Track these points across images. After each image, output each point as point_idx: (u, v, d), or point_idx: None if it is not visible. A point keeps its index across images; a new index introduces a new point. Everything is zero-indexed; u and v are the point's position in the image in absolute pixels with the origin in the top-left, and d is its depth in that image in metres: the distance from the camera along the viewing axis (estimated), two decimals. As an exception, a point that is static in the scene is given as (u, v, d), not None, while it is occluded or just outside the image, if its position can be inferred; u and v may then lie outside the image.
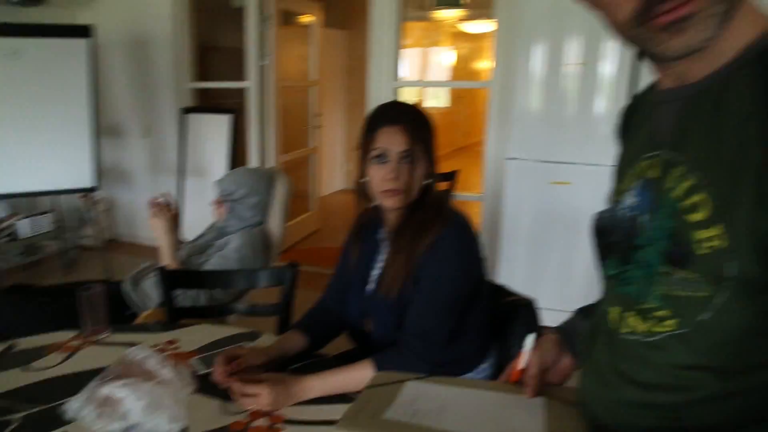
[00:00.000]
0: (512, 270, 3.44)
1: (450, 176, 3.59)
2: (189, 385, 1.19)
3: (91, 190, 4.05)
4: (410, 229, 1.41)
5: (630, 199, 0.84)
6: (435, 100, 10.81)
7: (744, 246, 0.66)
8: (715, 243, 0.68)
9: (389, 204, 1.42)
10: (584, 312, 1.10)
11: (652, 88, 0.86)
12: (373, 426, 0.88)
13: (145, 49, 4.84)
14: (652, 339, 0.77)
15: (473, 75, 11.09)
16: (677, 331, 0.74)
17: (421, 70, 9.93)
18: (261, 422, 1.17)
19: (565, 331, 1.09)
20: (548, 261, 3.30)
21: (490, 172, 3.77)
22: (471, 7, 6.92)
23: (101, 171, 4.12)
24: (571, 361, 1.06)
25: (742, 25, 0.70)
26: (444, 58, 10.47)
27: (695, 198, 0.71)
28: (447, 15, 7.71)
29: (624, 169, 0.90)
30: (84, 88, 3.93)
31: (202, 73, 5.24)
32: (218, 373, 1.27)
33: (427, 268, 1.38)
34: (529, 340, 1.04)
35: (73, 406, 1.11)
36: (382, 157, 1.38)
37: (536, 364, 1.02)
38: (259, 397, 1.20)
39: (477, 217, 3.97)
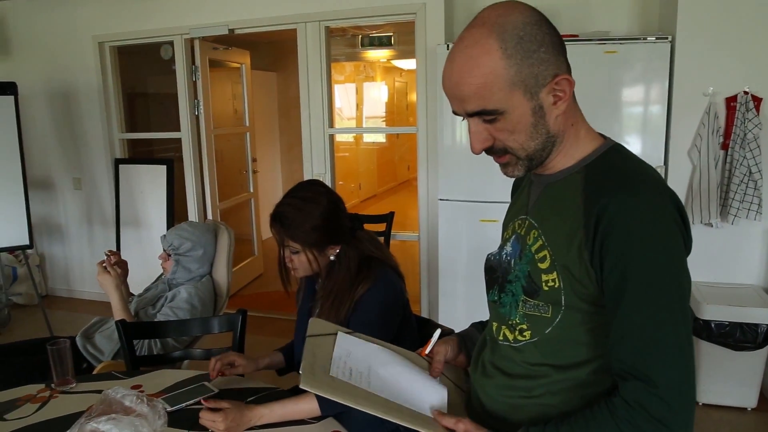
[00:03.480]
0: (452, 304, 3.84)
1: (386, 218, 3.95)
2: (162, 417, 1.49)
3: (26, 248, 4.22)
4: (331, 295, 1.83)
5: (508, 248, 1.24)
6: (374, 137, 11.30)
7: (569, 287, 1.06)
8: (553, 283, 1.08)
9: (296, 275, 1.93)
10: (478, 325, 1.51)
11: None
12: (326, 385, 1.17)
13: (72, 100, 5.07)
14: (516, 345, 1.17)
15: (410, 107, 11.65)
16: (532, 340, 1.14)
17: (357, 105, 10.39)
18: (224, 446, 1.49)
19: (463, 336, 1.48)
20: (484, 295, 3.67)
21: (425, 212, 4.19)
22: (399, 44, 7.37)
23: (33, 226, 4.29)
24: (464, 359, 1.45)
25: (574, 149, 1.12)
26: (378, 93, 10.98)
27: (542, 253, 1.11)
28: (376, 54, 8.14)
29: (508, 223, 1.31)
30: (13, 144, 4.14)
31: (133, 122, 5.47)
32: (212, 369, 1.80)
33: (354, 320, 1.77)
34: (437, 333, 1.45)
35: (63, 441, 1.38)
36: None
37: (442, 354, 1.40)
38: (218, 421, 1.52)
39: (416, 256, 4.36)
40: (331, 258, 1.88)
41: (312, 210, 1.82)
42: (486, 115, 1.05)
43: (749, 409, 3.19)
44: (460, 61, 1.03)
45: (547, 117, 1.06)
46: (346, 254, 1.87)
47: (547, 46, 1.02)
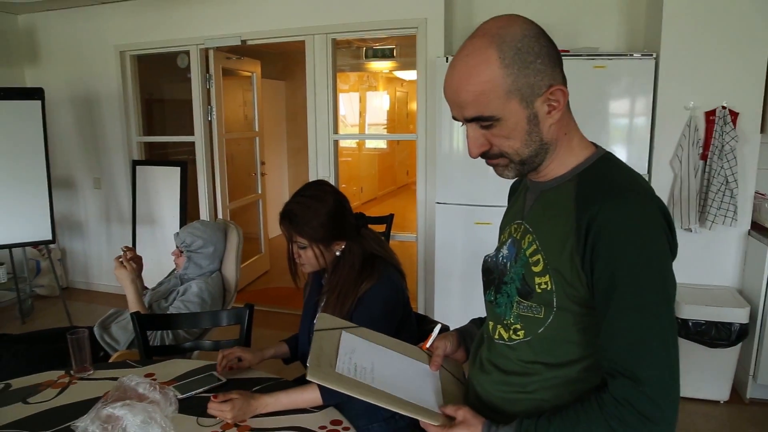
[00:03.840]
0: (448, 302, 3.84)
1: (386, 220, 3.95)
2: (173, 404, 1.49)
3: (49, 242, 4.23)
4: (336, 289, 1.83)
5: (504, 250, 1.23)
6: (376, 143, 11.31)
7: (561, 290, 1.06)
8: (546, 286, 1.08)
9: (304, 270, 1.93)
10: (477, 321, 1.50)
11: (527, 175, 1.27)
12: (332, 377, 1.18)
13: (94, 105, 5.08)
14: (511, 343, 1.17)
15: (410, 116, 11.65)
16: (525, 339, 1.14)
17: (360, 113, 10.40)
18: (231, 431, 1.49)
19: (462, 332, 1.48)
20: (478, 294, 3.68)
21: (423, 215, 4.19)
22: (401, 56, 7.38)
23: (55, 223, 4.30)
24: (464, 354, 1.45)
25: (567, 157, 1.12)
26: (380, 102, 10.98)
27: (536, 257, 1.11)
28: (379, 65, 8.13)
29: (504, 226, 1.31)
30: (39, 146, 4.15)
31: (150, 126, 5.48)
32: (219, 364, 1.82)
33: (357, 315, 1.77)
34: (437, 328, 1.46)
35: (81, 424, 1.38)
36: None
37: (442, 349, 1.40)
38: (226, 411, 1.52)
39: (413, 256, 4.36)
40: (337, 254, 1.88)
41: (319, 207, 1.83)
42: (483, 121, 1.05)
43: (722, 402, 3.20)
44: (460, 69, 1.03)
45: (541, 125, 1.06)
46: (350, 250, 1.87)
47: (544, 57, 1.02)
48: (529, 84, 1.01)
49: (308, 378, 1.16)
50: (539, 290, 1.08)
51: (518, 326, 1.14)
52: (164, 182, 4.78)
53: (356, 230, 1.91)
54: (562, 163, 1.12)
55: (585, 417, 1.00)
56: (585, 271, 1.02)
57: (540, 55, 1.01)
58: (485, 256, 1.31)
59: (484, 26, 1.04)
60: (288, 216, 1.84)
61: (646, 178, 3.35)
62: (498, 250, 1.27)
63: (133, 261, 2.50)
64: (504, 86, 1.01)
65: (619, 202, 0.99)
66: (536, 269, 1.09)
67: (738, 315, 3.01)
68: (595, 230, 0.99)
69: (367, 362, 1.29)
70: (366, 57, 7.42)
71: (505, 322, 1.17)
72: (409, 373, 1.33)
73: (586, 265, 1.01)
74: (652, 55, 3.25)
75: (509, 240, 1.22)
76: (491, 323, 1.24)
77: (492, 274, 1.25)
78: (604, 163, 1.11)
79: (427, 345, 1.43)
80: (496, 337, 1.20)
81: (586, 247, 1.01)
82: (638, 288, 0.97)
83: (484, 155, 1.11)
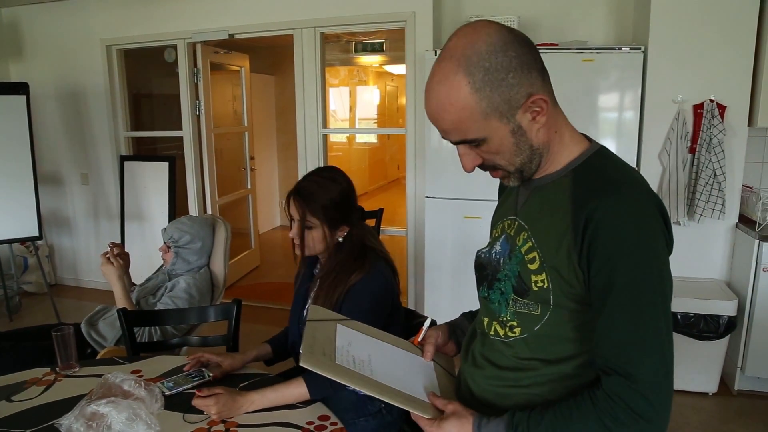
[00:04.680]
0: (438, 296, 3.83)
1: (376, 214, 3.94)
2: (159, 401, 1.48)
3: (36, 239, 4.19)
4: (332, 274, 1.81)
5: (497, 246, 1.22)
6: (365, 137, 11.30)
7: (558, 288, 1.06)
8: (543, 284, 1.07)
9: (297, 253, 1.88)
10: (467, 314, 1.50)
11: None
12: (328, 367, 1.18)
13: (80, 100, 5.03)
14: (507, 340, 1.16)
15: (400, 110, 11.64)
16: (521, 336, 1.13)
17: (350, 107, 10.37)
18: (218, 428, 1.48)
19: (452, 325, 1.48)
20: (467, 288, 3.68)
21: (412, 209, 4.18)
22: (391, 50, 7.35)
23: (42, 219, 4.26)
24: (454, 347, 1.45)
25: (560, 153, 1.11)
26: (370, 96, 10.96)
27: (532, 254, 1.10)
28: (368, 60, 8.10)
29: (496, 221, 1.30)
30: (25, 141, 4.11)
31: (138, 121, 5.43)
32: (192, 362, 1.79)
33: (346, 306, 1.76)
34: (427, 322, 1.45)
35: (65, 422, 1.37)
36: (291, 221, 1.84)
37: (434, 338, 1.41)
38: (211, 406, 1.51)
39: (403, 250, 4.35)
40: (339, 239, 1.86)
41: (332, 187, 1.82)
42: (469, 143, 1.05)
43: (710, 393, 3.22)
44: (434, 98, 1.02)
45: (528, 134, 1.05)
46: (351, 238, 1.85)
47: (515, 69, 0.98)
48: (505, 100, 1.00)
49: (301, 364, 1.15)
50: (536, 288, 1.08)
51: (514, 323, 1.13)
52: (152, 178, 4.75)
53: (360, 218, 1.90)
54: (555, 159, 1.11)
55: (578, 412, 1.00)
56: (582, 269, 1.02)
57: (511, 69, 0.98)
58: (478, 252, 1.30)
59: (449, 45, 1.01)
60: (301, 193, 1.81)
61: (635, 172, 3.36)
62: (491, 245, 1.26)
63: (120, 257, 2.48)
64: (480, 110, 0.99)
65: (617, 198, 0.99)
66: (532, 267, 1.09)
67: (726, 307, 3.02)
68: (592, 228, 0.99)
69: (365, 354, 1.28)
70: (355, 51, 7.38)
71: (500, 318, 1.17)
72: (405, 366, 1.33)
73: (583, 262, 1.01)
74: (640, 48, 3.26)
75: (502, 236, 1.21)
76: (486, 319, 1.23)
77: (485, 270, 1.24)
78: (599, 158, 1.10)
79: (419, 339, 1.42)
80: (492, 333, 1.20)
81: (584, 245, 1.00)
82: (635, 286, 0.97)
83: (480, 167, 1.11)
